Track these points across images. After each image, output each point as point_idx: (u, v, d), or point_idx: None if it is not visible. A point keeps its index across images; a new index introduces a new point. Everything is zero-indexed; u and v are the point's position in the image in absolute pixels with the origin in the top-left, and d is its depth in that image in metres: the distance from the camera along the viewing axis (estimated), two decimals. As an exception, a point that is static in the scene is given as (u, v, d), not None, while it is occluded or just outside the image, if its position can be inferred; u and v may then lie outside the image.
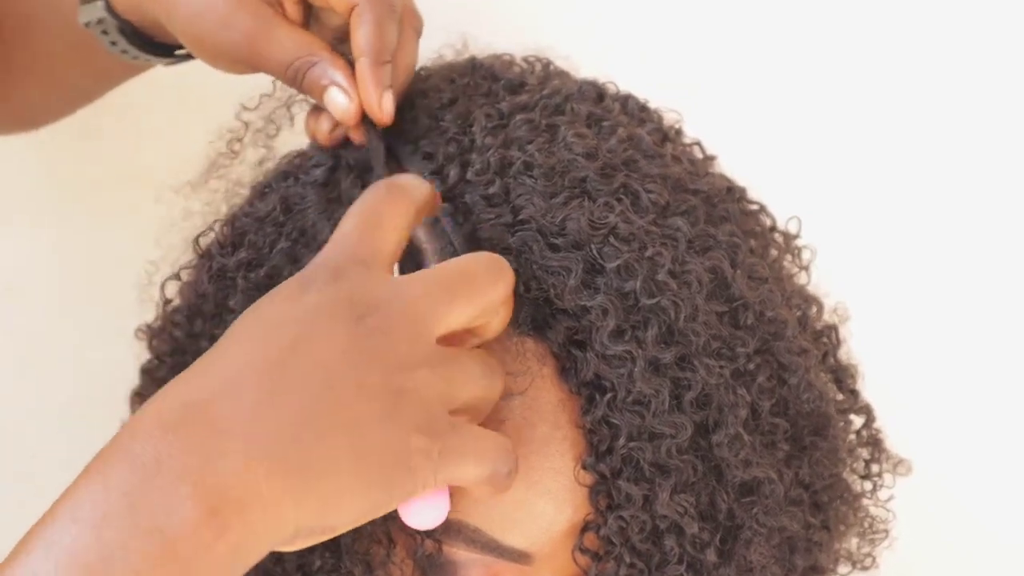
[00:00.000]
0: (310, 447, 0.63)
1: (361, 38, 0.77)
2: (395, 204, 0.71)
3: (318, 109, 0.80)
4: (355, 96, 0.77)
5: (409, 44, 0.80)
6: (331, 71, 0.78)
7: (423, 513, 0.68)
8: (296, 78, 0.78)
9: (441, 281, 0.68)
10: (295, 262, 0.77)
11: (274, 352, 0.64)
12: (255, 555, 0.63)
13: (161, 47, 0.87)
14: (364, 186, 0.76)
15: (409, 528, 0.72)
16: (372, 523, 0.73)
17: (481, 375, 0.69)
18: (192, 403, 0.63)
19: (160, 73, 0.91)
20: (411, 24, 0.80)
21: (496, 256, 0.71)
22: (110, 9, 0.84)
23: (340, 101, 0.78)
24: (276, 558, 0.75)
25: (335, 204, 0.78)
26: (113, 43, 0.86)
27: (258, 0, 0.78)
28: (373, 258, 0.69)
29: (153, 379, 0.83)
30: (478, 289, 0.69)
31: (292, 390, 0.64)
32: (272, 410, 0.63)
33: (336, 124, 0.79)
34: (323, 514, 0.64)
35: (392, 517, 0.73)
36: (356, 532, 0.73)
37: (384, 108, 0.77)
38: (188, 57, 0.87)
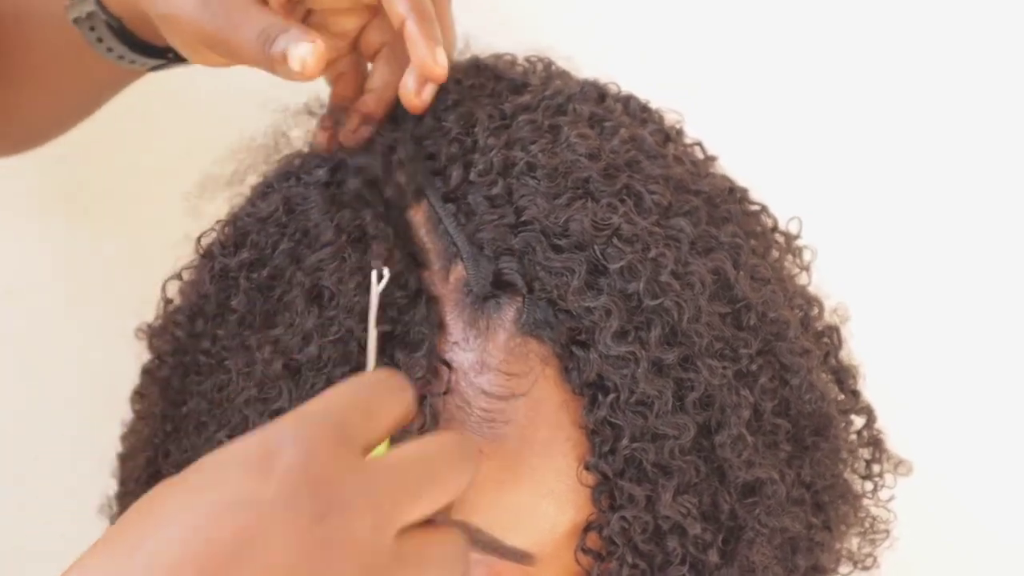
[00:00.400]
0: None
1: (399, 3, 0.76)
2: (396, 398, 0.63)
3: (324, 120, 0.80)
4: (320, 41, 0.75)
5: (445, 8, 0.79)
6: (302, 33, 0.75)
7: None
8: (266, 47, 0.76)
9: (409, 476, 0.61)
10: (297, 262, 0.77)
11: (216, 550, 0.57)
12: None
13: (149, 49, 0.86)
14: (367, 187, 0.77)
15: None
16: None
17: (453, 558, 0.62)
18: None
19: (161, 76, 0.91)
20: None
21: (465, 442, 0.63)
22: (99, 3, 0.84)
23: (303, 49, 0.75)
24: None
25: (337, 204, 0.78)
26: (100, 40, 0.85)
27: None
28: (354, 441, 0.61)
29: (154, 379, 0.83)
30: (444, 485, 0.62)
31: None
32: None
33: (334, 135, 0.78)
34: None
35: None
36: None
37: (439, 60, 0.76)
38: (175, 61, 0.86)
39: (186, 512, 0.58)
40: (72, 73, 0.92)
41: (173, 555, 0.57)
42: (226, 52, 0.78)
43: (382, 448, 0.63)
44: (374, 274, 0.74)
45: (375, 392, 0.63)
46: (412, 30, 0.76)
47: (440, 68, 0.76)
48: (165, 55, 0.87)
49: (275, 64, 0.76)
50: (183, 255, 0.83)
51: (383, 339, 0.74)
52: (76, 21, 0.86)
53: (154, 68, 0.89)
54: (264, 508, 0.58)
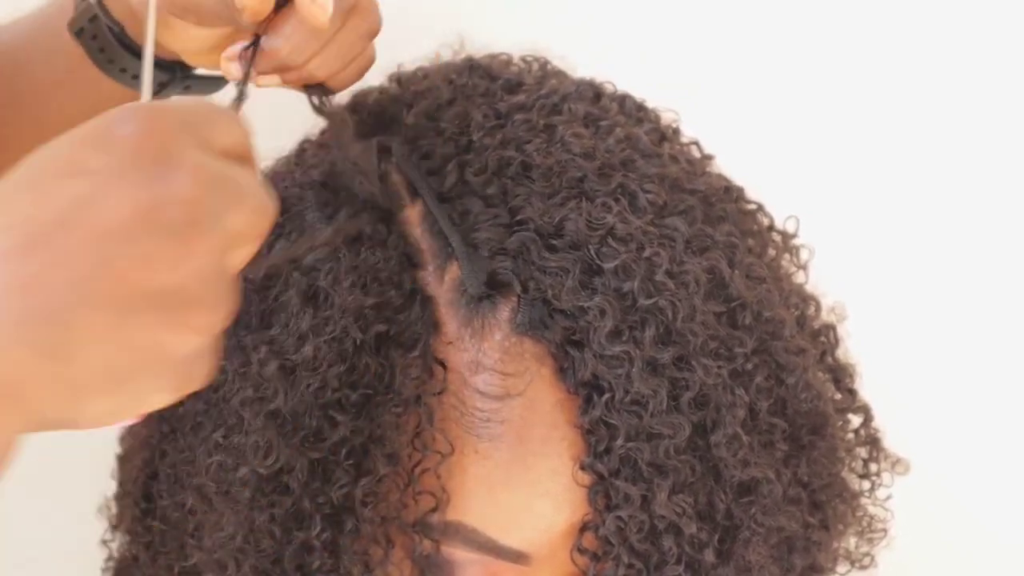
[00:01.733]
0: (73, 332, 0.57)
1: None
2: (232, 124, 0.63)
3: None
4: None
5: None
6: None
7: None
8: None
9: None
10: (293, 263, 0.77)
11: (45, 216, 0.57)
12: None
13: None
14: (362, 187, 0.77)
15: (407, 528, 0.73)
16: (371, 524, 0.73)
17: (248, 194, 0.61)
18: None
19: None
20: None
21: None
22: (102, 5, 0.84)
23: None
24: (274, 558, 0.75)
25: (332, 205, 0.78)
26: (102, 50, 0.86)
27: None
28: (195, 131, 0.60)
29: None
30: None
31: (63, 264, 0.57)
32: (41, 286, 0.56)
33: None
34: (71, 407, 0.59)
35: (391, 518, 0.73)
36: (355, 532, 0.74)
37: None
38: (179, 78, 0.86)
39: (23, 181, 0.59)
40: (73, 97, 0.92)
41: (15, 217, 0.57)
42: (214, 17, 0.77)
43: None
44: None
45: (217, 113, 0.62)
46: None
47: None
48: (169, 70, 0.87)
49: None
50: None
51: (378, 339, 0.74)
52: (79, 33, 0.86)
53: (158, 91, 0.89)
54: (98, 176, 0.58)
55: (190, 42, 0.81)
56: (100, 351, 0.57)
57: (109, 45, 0.86)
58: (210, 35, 0.80)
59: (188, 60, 0.82)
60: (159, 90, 0.87)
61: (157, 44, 0.82)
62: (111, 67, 0.86)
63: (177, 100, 0.63)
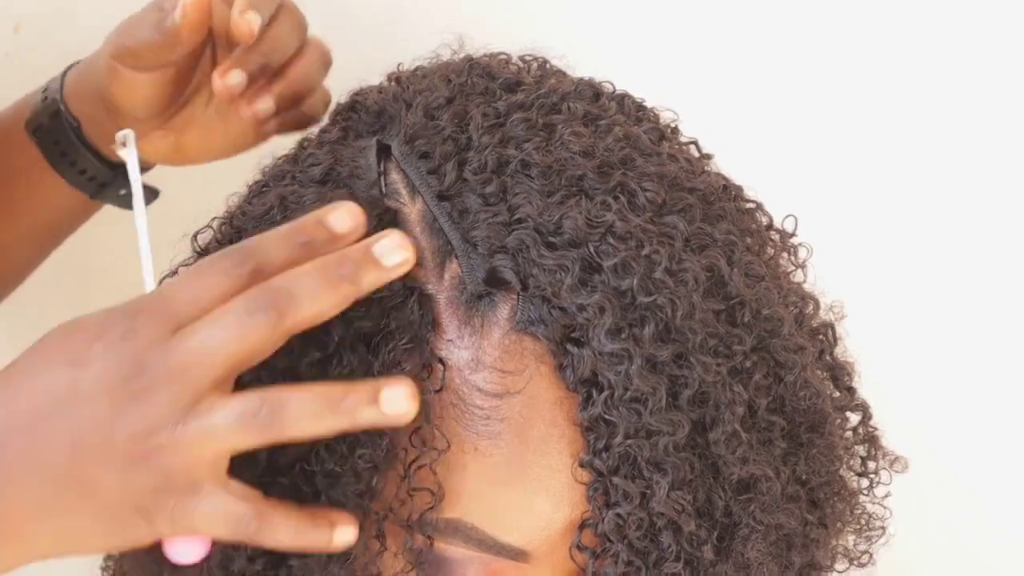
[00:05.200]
0: (53, 510, 0.68)
1: None
2: (223, 264, 0.70)
3: None
4: None
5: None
6: None
7: (178, 549, 0.71)
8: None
9: (216, 340, 0.68)
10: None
11: (35, 411, 0.69)
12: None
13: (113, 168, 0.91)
14: (362, 186, 0.77)
15: (403, 524, 0.73)
16: (366, 520, 0.73)
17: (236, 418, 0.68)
18: None
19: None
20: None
21: (260, 295, 0.68)
22: (62, 98, 0.88)
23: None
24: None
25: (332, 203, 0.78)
26: (64, 154, 0.89)
27: None
28: (174, 318, 0.68)
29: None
30: (249, 341, 0.68)
31: (41, 455, 0.68)
32: (25, 470, 0.68)
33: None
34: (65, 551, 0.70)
35: (385, 515, 0.73)
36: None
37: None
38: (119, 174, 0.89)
39: (22, 373, 0.70)
40: (29, 210, 0.95)
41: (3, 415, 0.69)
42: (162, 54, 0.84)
43: None
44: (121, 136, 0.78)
45: (206, 273, 0.70)
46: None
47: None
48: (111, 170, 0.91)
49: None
50: (180, 253, 0.83)
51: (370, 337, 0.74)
52: (36, 131, 0.88)
53: (97, 191, 0.91)
54: (84, 382, 0.68)
55: (137, 90, 0.83)
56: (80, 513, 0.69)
57: (69, 144, 0.88)
58: (154, 83, 0.84)
59: (139, 129, 0.84)
60: (98, 191, 0.90)
61: (104, 135, 0.85)
62: (72, 169, 0.90)
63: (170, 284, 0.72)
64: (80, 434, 0.68)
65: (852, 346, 0.85)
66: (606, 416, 0.73)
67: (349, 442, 0.73)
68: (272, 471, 0.73)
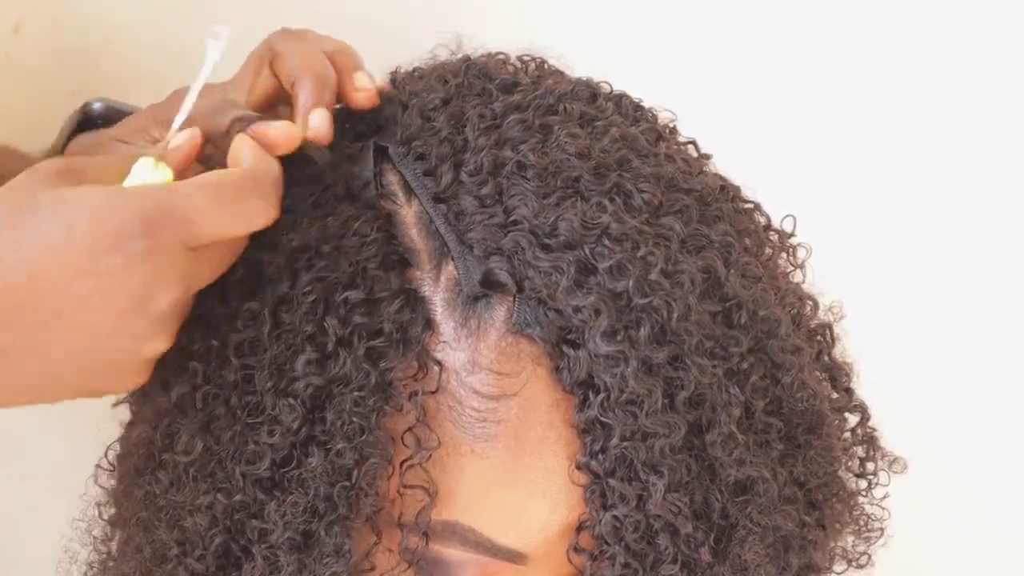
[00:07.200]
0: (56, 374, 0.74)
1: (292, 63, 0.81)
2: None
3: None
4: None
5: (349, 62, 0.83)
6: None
7: None
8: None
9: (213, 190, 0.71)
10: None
11: (23, 282, 0.70)
12: None
13: None
14: (357, 188, 0.77)
15: (395, 523, 0.74)
16: (356, 515, 0.73)
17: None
18: None
19: (162, 78, 0.91)
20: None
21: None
22: None
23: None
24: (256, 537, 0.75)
25: (327, 206, 0.78)
26: None
27: None
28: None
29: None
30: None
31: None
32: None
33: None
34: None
35: (376, 510, 0.73)
36: (348, 527, 0.74)
37: (312, 124, 0.78)
38: None
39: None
40: None
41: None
42: None
43: None
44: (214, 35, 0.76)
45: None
46: (301, 93, 0.79)
47: (307, 132, 0.78)
48: None
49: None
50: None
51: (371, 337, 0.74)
52: None
53: None
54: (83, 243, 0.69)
55: None
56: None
57: None
58: None
59: None
60: None
61: None
62: None
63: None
64: (71, 307, 0.70)
65: (851, 346, 0.85)
66: (602, 418, 0.73)
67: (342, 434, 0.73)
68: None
